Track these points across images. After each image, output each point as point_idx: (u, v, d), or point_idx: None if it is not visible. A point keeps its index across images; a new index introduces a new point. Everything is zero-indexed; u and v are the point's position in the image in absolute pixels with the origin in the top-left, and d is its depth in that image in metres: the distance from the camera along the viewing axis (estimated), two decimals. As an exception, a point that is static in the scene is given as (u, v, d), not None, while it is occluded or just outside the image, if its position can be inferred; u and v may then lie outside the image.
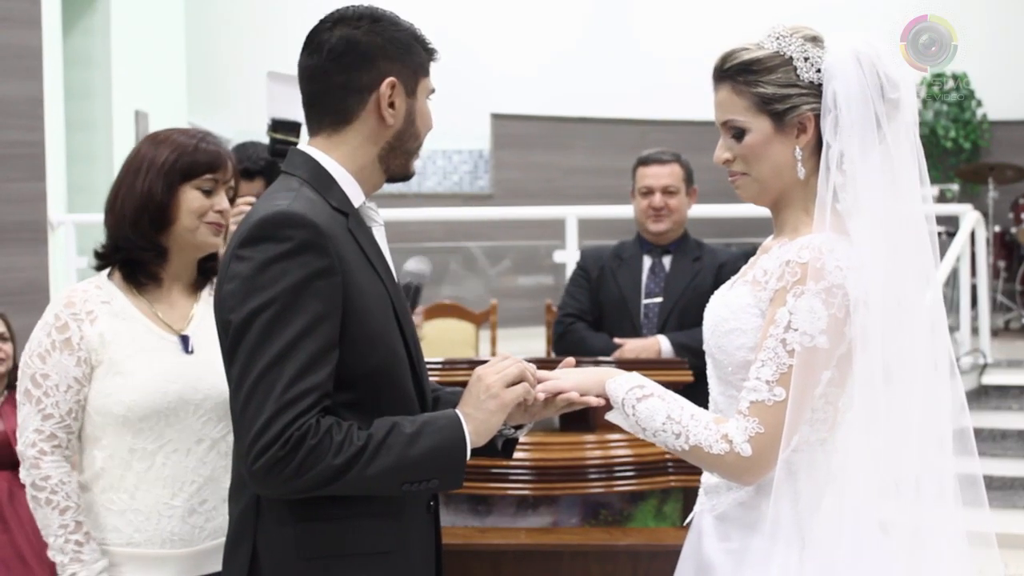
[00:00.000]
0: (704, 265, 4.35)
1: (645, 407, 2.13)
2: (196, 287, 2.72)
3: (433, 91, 2.26)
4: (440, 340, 6.21)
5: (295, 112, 3.55)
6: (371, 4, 2.23)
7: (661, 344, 4.18)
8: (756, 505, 2.14)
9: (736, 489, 2.18)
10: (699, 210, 4.69)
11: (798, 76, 2.13)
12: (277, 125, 3.59)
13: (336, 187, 2.17)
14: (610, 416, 2.21)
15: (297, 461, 1.95)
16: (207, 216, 2.61)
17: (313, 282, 2.00)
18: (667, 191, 4.36)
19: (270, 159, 3.64)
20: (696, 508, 2.30)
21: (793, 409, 2.04)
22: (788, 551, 2.09)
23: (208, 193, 2.61)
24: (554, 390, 2.21)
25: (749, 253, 2.52)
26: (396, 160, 2.22)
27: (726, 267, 4.30)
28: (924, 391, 2.11)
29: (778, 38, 2.16)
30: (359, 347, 2.07)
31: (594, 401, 2.21)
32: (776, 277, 2.10)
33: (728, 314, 2.18)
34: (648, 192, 4.38)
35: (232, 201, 2.70)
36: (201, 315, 2.68)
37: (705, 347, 2.26)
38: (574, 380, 2.23)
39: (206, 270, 2.72)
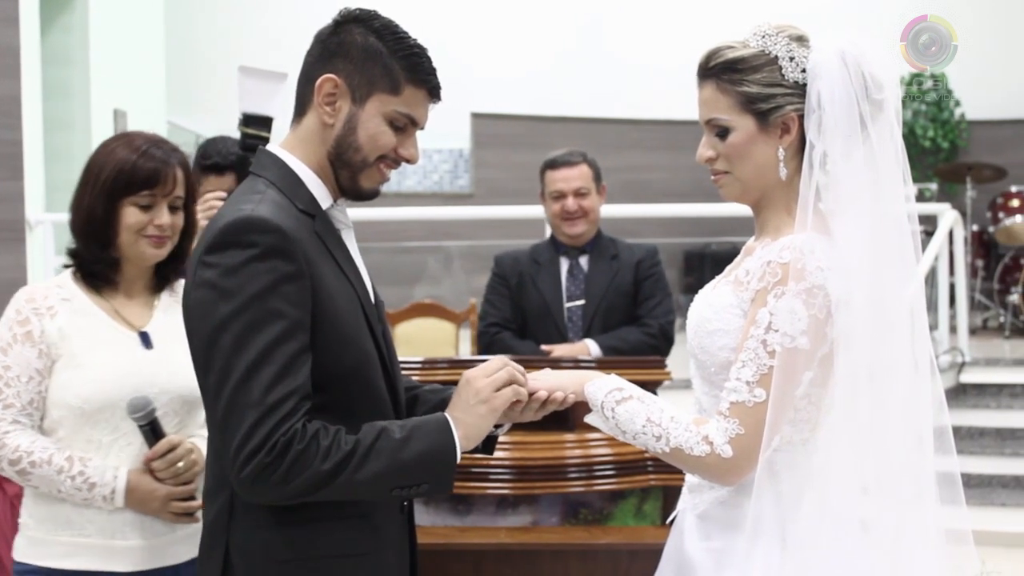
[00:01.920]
0: (622, 263, 4.32)
1: (624, 410, 2.13)
2: (155, 288, 2.75)
3: (408, 119, 2.18)
4: (419, 339, 6.20)
5: (266, 107, 3.55)
6: (375, 7, 2.22)
7: (590, 348, 4.15)
8: (738, 504, 2.14)
9: (718, 488, 2.18)
10: (677, 210, 4.70)
11: (783, 76, 2.13)
12: (248, 120, 3.59)
13: (303, 188, 2.16)
14: (589, 419, 2.21)
15: (284, 467, 1.94)
16: (146, 231, 2.62)
17: (281, 286, 1.99)
18: (578, 193, 4.32)
19: (241, 154, 3.64)
20: (679, 506, 2.31)
21: (774, 410, 2.04)
22: (769, 550, 2.09)
23: (147, 208, 2.62)
24: (532, 390, 2.20)
25: (723, 252, 2.52)
26: (343, 171, 2.18)
27: (644, 262, 4.30)
28: (905, 391, 2.12)
29: (763, 37, 2.15)
30: (330, 349, 2.07)
31: (572, 399, 2.21)
32: (757, 277, 2.10)
33: (711, 314, 2.18)
34: (560, 196, 4.34)
35: (187, 205, 2.71)
36: (163, 313, 2.72)
37: (688, 347, 2.26)
38: (553, 382, 2.23)
39: (164, 273, 2.74)
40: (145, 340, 2.66)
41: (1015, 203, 9.39)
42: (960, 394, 7.29)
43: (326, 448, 1.97)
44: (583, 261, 4.39)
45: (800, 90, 2.13)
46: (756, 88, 2.13)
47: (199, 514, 2.62)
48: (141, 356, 2.64)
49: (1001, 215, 9.41)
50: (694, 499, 2.24)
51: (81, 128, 8.90)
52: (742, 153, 2.16)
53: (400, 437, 2.04)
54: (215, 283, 2.00)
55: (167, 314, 2.71)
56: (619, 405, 2.14)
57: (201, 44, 11.44)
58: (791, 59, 2.13)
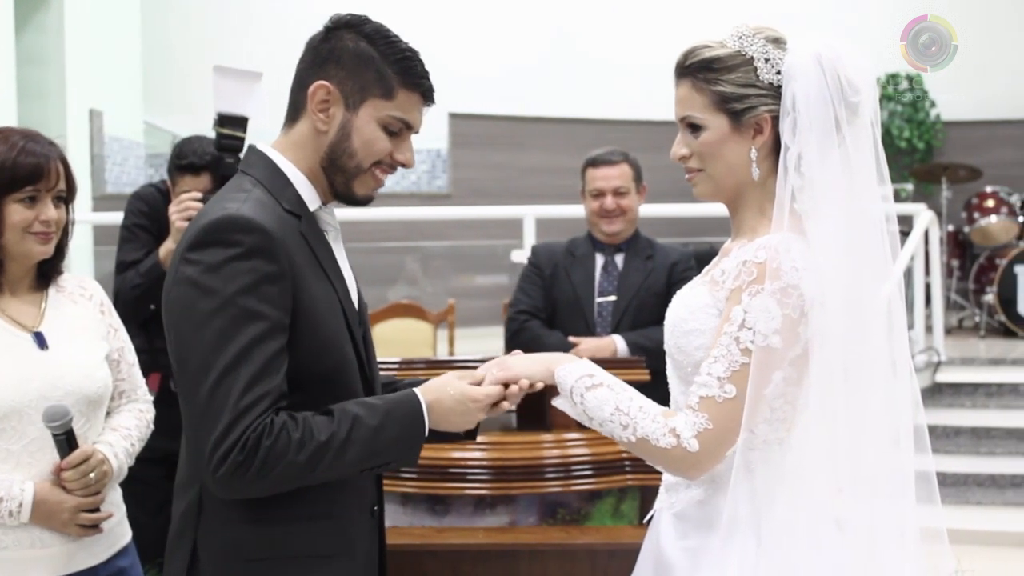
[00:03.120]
0: (656, 264, 4.36)
1: (594, 396, 2.13)
2: (39, 286, 2.70)
3: (402, 123, 2.19)
4: (397, 340, 6.20)
5: (241, 107, 3.54)
6: (356, 9, 2.22)
7: (617, 344, 4.18)
8: (714, 503, 2.15)
9: (695, 487, 2.18)
10: (655, 209, 4.70)
11: (758, 77, 2.14)
12: (223, 120, 3.58)
13: (291, 189, 2.16)
14: (556, 402, 2.21)
15: (257, 463, 1.95)
16: (32, 227, 2.58)
17: (262, 286, 2.00)
18: (618, 192, 4.37)
19: (216, 154, 3.63)
20: (656, 506, 2.31)
21: (743, 408, 2.05)
22: (745, 549, 2.09)
23: (32, 202, 2.58)
24: (502, 380, 2.20)
25: (702, 252, 2.53)
26: (336, 177, 2.19)
27: (678, 266, 4.32)
28: (882, 390, 2.12)
29: (740, 38, 2.16)
30: (309, 351, 2.08)
31: (540, 386, 2.21)
32: (733, 276, 2.10)
33: (687, 314, 2.19)
34: (599, 194, 4.39)
35: (67, 200, 2.66)
36: (53, 311, 2.67)
37: (666, 346, 2.26)
38: (522, 367, 2.22)
39: (46, 270, 2.69)
40: (40, 340, 2.61)
41: (990, 203, 9.44)
42: (936, 393, 7.32)
43: (298, 440, 1.98)
44: (618, 259, 4.42)
45: (775, 92, 2.13)
46: (730, 88, 2.14)
47: (104, 524, 2.61)
48: (38, 358, 2.58)
49: (976, 215, 9.46)
50: (671, 498, 2.24)
51: (57, 129, 8.85)
52: (714, 151, 2.17)
53: (375, 425, 2.05)
54: (196, 280, 2.00)
55: (57, 312, 2.66)
56: (588, 391, 2.14)
57: (178, 43, 11.38)
58: (766, 60, 2.14)
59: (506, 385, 2.20)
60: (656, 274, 4.33)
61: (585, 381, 2.15)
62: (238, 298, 1.98)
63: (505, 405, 2.22)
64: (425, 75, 2.21)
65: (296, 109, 2.20)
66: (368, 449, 2.05)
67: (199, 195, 3.67)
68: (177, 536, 2.16)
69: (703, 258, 2.43)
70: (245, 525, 2.08)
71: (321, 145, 2.17)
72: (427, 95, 2.21)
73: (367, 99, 2.16)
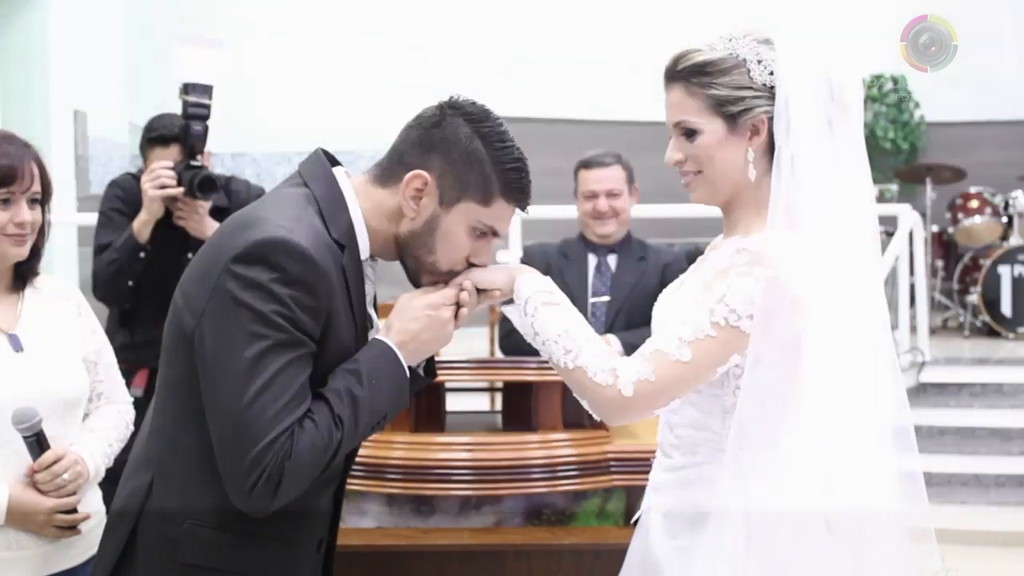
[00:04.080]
0: (649, 265, 4.37)
1: (546, 313, 2.11)
2: (16, 289, 2.68)
3: (490, 233, 2.15)
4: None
5: (205, 75, 3.58)
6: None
7: (612, 343, 4.18)
8: (704, 503, 2.15)
9: (684, 487, 2.18)
10: (643, 210, 4.70)
11: (751, 78, 2.14)
12: (188, 88, 3.63)
13: (345, 216, 2.11)
14: (506, 309, 2.19)
15: (285, 485, 1.95)
16: (6, 229, 2.56)
17: (297, 314, 1.97)
18: (611, 194, 4.38)
19: (184, 123, 3.68)
20: (644, 505, 2.31)
21: (690, 377, 2.05)
22: (735, 549, 2.09)
23: (6, 204, 2.55)
24: (460, 281, 2.18)
25: (693, 252, 2.53)
26: (407, 261, 2.17)
27: (671, 266, 4.33)
28: (869, 390, 2.13)
29: (731, 40, 2.16)
30: (315, 383, 2.04)
31: (498, 295, 2.19)
32: (726, 258, 2.11)
33: (676, 310, 2.19)
34: (592, 196, 4.39)
35: (43, 202, 2.64)
36: (30, 313, 2.65)
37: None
38: (485, 272, 2.20)
39: (21, 271, 2.67)
40: (15, 343, 2.58)
41: (974, 204, 9.47)
42: (920, 393, 7.34)
43: (322, 446, 1.97)
44: (611, 260, 4.43)
45: (769, 92, 2.13)
46: (725, 91, 2.14)
47: (82, 526, 2.59)
48: (13, 361, 2.56)
49: (960, 216, 9.48)
50: (660, 498, 2.24)
51: (40, 129, 8.79)
52: (711, 155, 2.17)
53: (367, 396, 2.04)
54: (236, 295, 1.96)
55: (34, 314, 2.64)
56: (544, 306, 2.12)
57: (163, 44, 11.33)
58: (759, 62, 2.14)
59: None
60: (649, 275, 4.34)
61: (543, 296, 2.13)
62: (276, 321, 1.95)
63: (464, 312, 2.18)
64: (528, 189, 2.16)
65: (388, 177, 2.14)
66: (369, 421, 2.05)
67: (169, 163, 3.72)
68: (118, 516, 2.13)
69: (693, 258, 2.42)
70: (190, 527, 2.05)
71: (402, 227, 2.13)
72: (524, 207, 2.18)
73: (463, 200, 2.11)
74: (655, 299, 4.24)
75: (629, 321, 4.27)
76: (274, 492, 1.94)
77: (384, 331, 2.15)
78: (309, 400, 1.99)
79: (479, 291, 2.19)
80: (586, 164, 4.45)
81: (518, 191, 2.15)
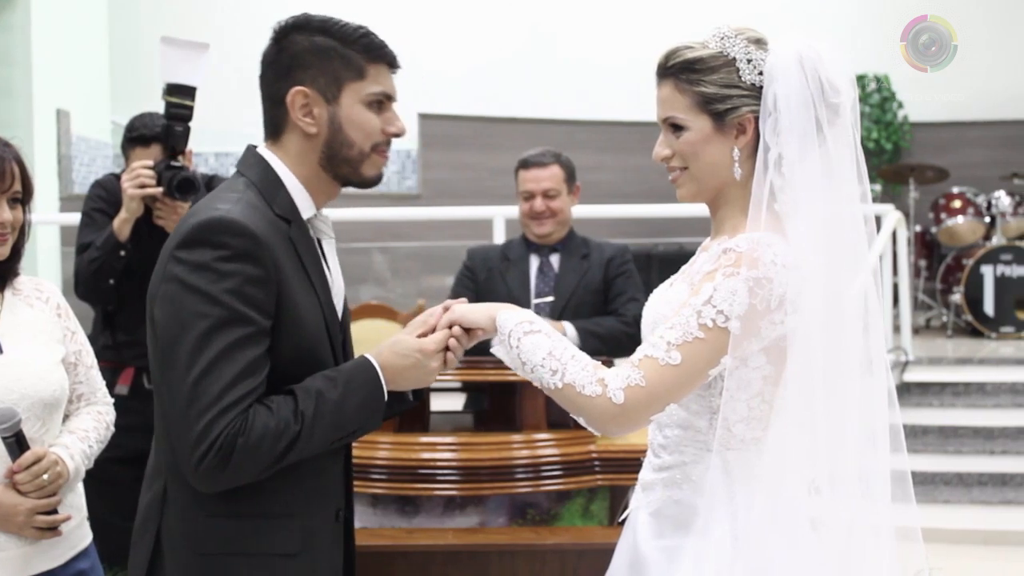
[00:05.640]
0: (592, 262, 4.36)
1: (530, 341, 2.12)
2: None
3: (383, 96, 2.23)
4: (367, 340, 6.12)
5: (189, 76, 3.59)
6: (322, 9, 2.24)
7: (567, 330, 4.16)
8: (691, 503, 2.15)
9: (671, 486, 2.19)
10: (630, 211, 4.71)
11: (740, 77, 2.14)
12: (172, 89, 3.64)
13: (284, 193, 2.19)
14: (493, 349, 2.20)
15: (235, 461, 1.99)
16: None
17: (246, 289, 2.02)
18: (547, 194, 4.34)
19: (166, 123, 3.68)
20: (631, 504, 2.30)
21: (681, 380, 2.05)
22: (721, 549, 2.09)
23: None
24: (448, 323, 2.22)
25: (670, 253, 2.54)
26: (341, 168, 2.22)
27: (614, 260, 4.34)
28: (858, 389, 2.13)
29: (722, 38, 2.16)
30: (288, 357, 2.11)
31: (480, 334, 2.22)
32: (712, 260, 2.11)
33: (668, 311, 2.18)
34: (529, 196, 4.37)
35: (23, 201, 2.63)
36: (9, 313, 2.63)
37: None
38: (466, 311, 2.22)
39: (2, 273, 2.65)
40: None
41: (957, 204, 9.50)
42: (903, 393, 7.35)
43: (274, 431, 2.01)
44: (554, 259, 4.41)
45: (757, 92, 2.14)
46: (713, 89, 2.14)
47: (62, 527, 2.59)
48: None
49: (943, 216, 9.52)
50: (647, 497, 2.24)
51: (24, 129, 8.78)
52: (697, 152, 2.17)
53: (336, 399, 2.09)
54: (183, 279, 2.03)
55: (13, 314, 2.63)
56: (526, 336, 2.12)
57: (145, 44, 11.31)
58: (748, 61, 2.14)
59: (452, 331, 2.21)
60: (592, 272, 4.33)
61: (524, 327, 2.14)
62: (223, 299, 2.00)
63: (451, 358, 2.21)
64: (384, 44, 2.24)
65: (277, 124, 2.23)
66: (334, 423, 2.09)
67: (150, 163, 3.72)
68: (141, 526, 2.18)
69: (671, 259, 2.43)
70: (209, 519, 2.10)
71: (316, 147, 2.20)
72: (392, 63, 2.25)
73: (343, 86, 2.19)
74: (600, 295, 4.24)
75: (575, 319, 4.26)
76: (223, 466, 1.98)
77: (375, 352, 2.20)
78: (262, 376, 2.04)
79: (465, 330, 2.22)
80: (524, 164, 4.42)
81: (379, 49, 2.22)
